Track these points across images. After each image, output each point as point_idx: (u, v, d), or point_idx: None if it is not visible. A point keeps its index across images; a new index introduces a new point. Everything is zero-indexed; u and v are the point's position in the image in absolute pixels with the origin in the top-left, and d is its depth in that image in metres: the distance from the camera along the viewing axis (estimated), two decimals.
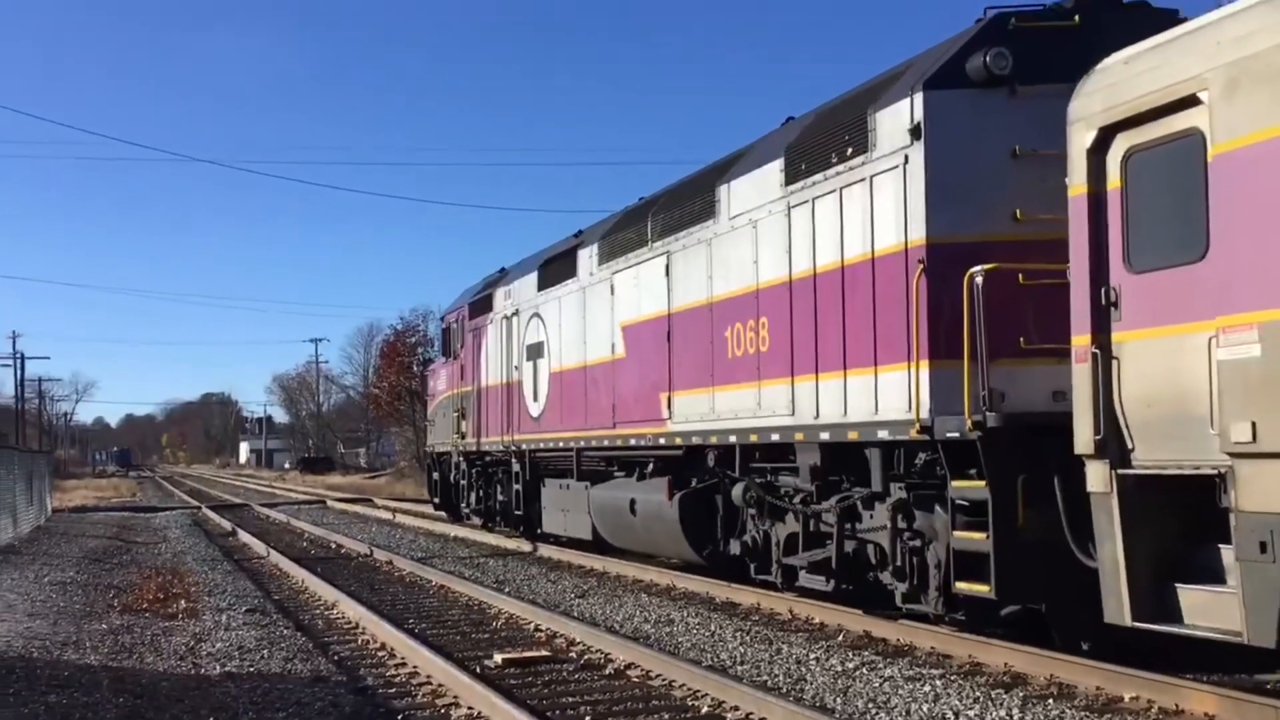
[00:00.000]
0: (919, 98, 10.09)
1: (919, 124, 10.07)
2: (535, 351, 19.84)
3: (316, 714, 8.25)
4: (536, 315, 19.90)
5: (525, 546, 19.62)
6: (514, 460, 20.98)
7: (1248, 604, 7.10)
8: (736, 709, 8.08)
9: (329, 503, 40.85)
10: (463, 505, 25.04)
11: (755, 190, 12.84)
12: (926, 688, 8.71)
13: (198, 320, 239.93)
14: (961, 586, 9.64)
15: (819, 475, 11.72)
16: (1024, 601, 9.63)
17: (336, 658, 10.54)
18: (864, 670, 9.42)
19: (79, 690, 9.06)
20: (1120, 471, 8.03)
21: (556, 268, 19.20)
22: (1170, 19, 9.53)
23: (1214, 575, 7.51)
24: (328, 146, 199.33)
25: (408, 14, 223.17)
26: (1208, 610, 7.55)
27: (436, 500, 27.74)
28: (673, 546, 14.77)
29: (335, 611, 13.48)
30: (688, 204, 14.59)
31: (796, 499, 12.25)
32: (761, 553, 12.97)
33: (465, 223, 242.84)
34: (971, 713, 7.99)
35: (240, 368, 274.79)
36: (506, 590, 14.63)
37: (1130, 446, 8.03)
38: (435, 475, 27.65)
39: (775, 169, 12.44)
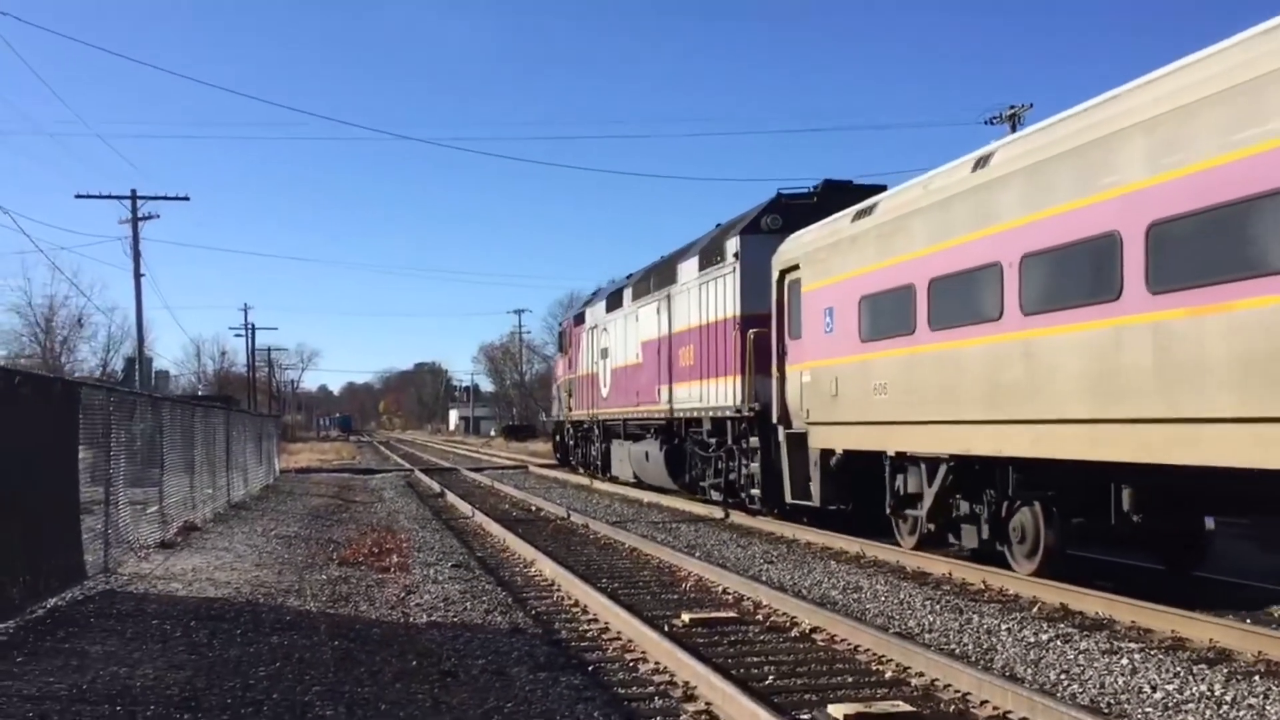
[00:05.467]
0: (737, 239, 19.66)
1: (737, 252, 19.55)
2: (604, 354, 29.95)
3: (513, 662, 8.58)
4: (605, 330, 29.94)
5: (717, 513, 20.68)
6: (594, 426, 31.77)
7: (815, 487, 16.50)
8: (922, 675, 7.99)
9: (530, 468, 41.89)
10: (571, 459, 36.46)
11: (690, 270, 22.40)
12: (1124, 661, 8.46)
13: (412, 292, 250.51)
14: (754, 493, 19.19)
15: (713, 435, 21.28)
16: (776, 501, 18.24)
17: (533, 612, 10.95)
18: (1058, 642, 9.19)
19: (299, 633, 9.68)
20: (786, 431, 17.35)
21: (614, 299, 29.34)
22: (880, 189, 17.75)
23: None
24: (531, 123, 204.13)
25: None
26: (816, 493, 16.57)
27: (558, 455, 39.62)
28: (664, 479, 24.33)
29: (533, 569, 14.03)
30: (665, 271, 24.46)
31: (710, 450, 21.57)
32: (699, 479, 22.54)
33: (659, 193, 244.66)
34: (1170, 687, 7.69)
35: (450, 338, 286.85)
36: (697, 554, 14.94)
37: (790, 420, 17.30)
38: (557, 437, 40.21)
39: (695, 261, 22.04)
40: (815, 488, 16.47)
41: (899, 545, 14.59)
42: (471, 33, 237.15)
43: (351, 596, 11.83)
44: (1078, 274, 10.45)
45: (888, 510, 14.85)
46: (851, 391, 15.04)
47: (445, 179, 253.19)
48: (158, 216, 47.63)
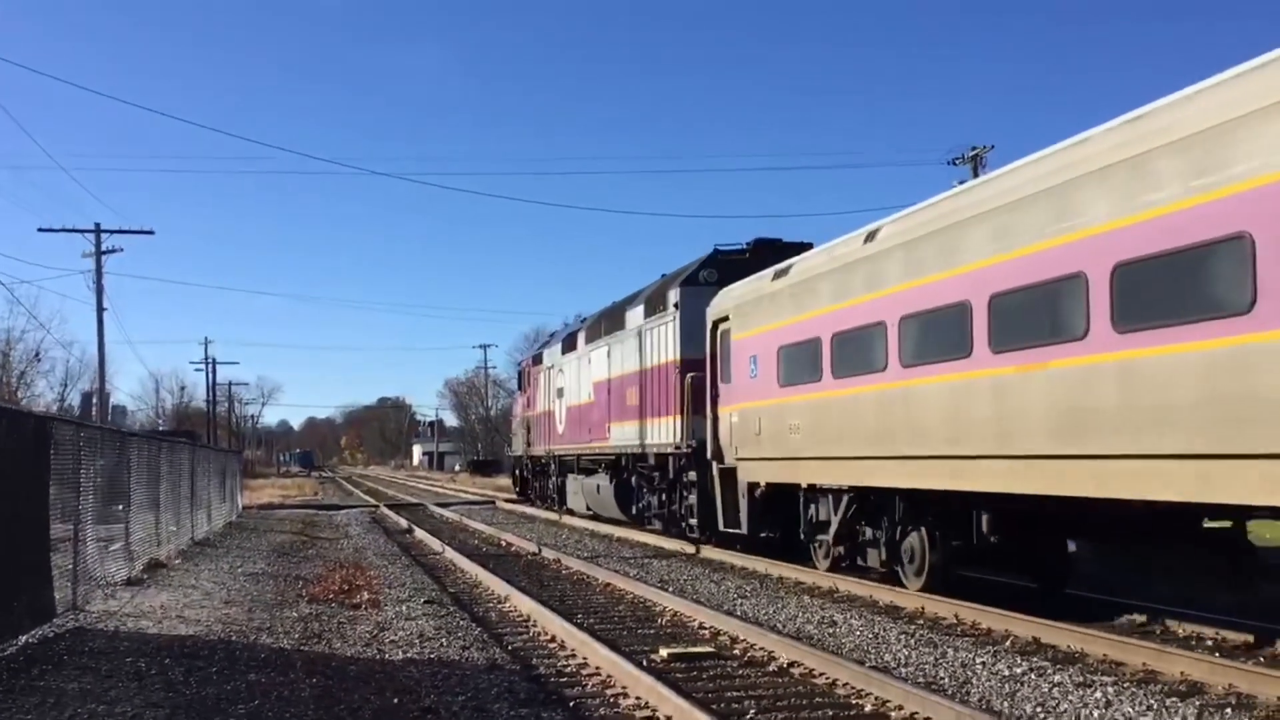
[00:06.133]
0: (677, 290, 21.69)
1: (677, 302, 21.55)
2: (560, 393, 31.81)
3: (493, 699, 8.56)
4: (561, 370, 31.84)
5: (688, 549, 21.12)
6: (551, 462, 33.52)
7: (744, 516, 18.33)
8: (901, 708, 8.06)
9: (498, 503, 41.91)
10: (529, 492, 38.21)
11: (636, 317, 24.34)
12: (1098, 694, 8.58)
13: (376, 327, 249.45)
14: (692, 522, 21.05)
15: (656, 470, 23.22)
16: (712, 529, 20.03)
17: (510, 648, 10.99)
18: (1032, 675, 9.32)
19: (275, 671, 9.62)
20: (719, 466, 19.18)
21: (568, 341, 31.41)
22: (806, 247, 19.39)
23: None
24: (497, 157, 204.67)
25: (574, 23, 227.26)
26: (744, 522, 18.40)
27: (518, 489, 41.04)
28: (614, 510, 26.24)
29: (508, 605, 14.07)
30: (615, 318, 26.53)
31: (654, 483, 23.53)
32: (645, 511, 24.44)
33: (627, 229, 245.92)
34: (1145, 719, 7.82)
35: (414, 373, 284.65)
36: (670, 589, 15.03)
37: (722, 456, 19.09)
38: (517, 472, 41.40)
39: (641, 308, 24.03)
40: (744, 517, 18.38)
41: (815, 568, 16.41)
42: (439, 68, 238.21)
43: (324, 634, 11.81)
44: (942, 334, 12.46)
45: (801, 536, 16.75)
46: (771, 430, 16.99)
47: (410, 213, 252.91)
48: (121, 250, 47.19)
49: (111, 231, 46.48)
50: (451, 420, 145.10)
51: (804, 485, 16.27)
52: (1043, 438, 10.68)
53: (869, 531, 15.00)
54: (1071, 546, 13.00)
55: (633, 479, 24.98)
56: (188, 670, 9.63)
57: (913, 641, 11.02)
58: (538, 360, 36.19)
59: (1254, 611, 11.11)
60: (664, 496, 22.90)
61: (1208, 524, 10.60)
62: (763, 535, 18.33)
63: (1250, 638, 10.55)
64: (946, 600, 12.83)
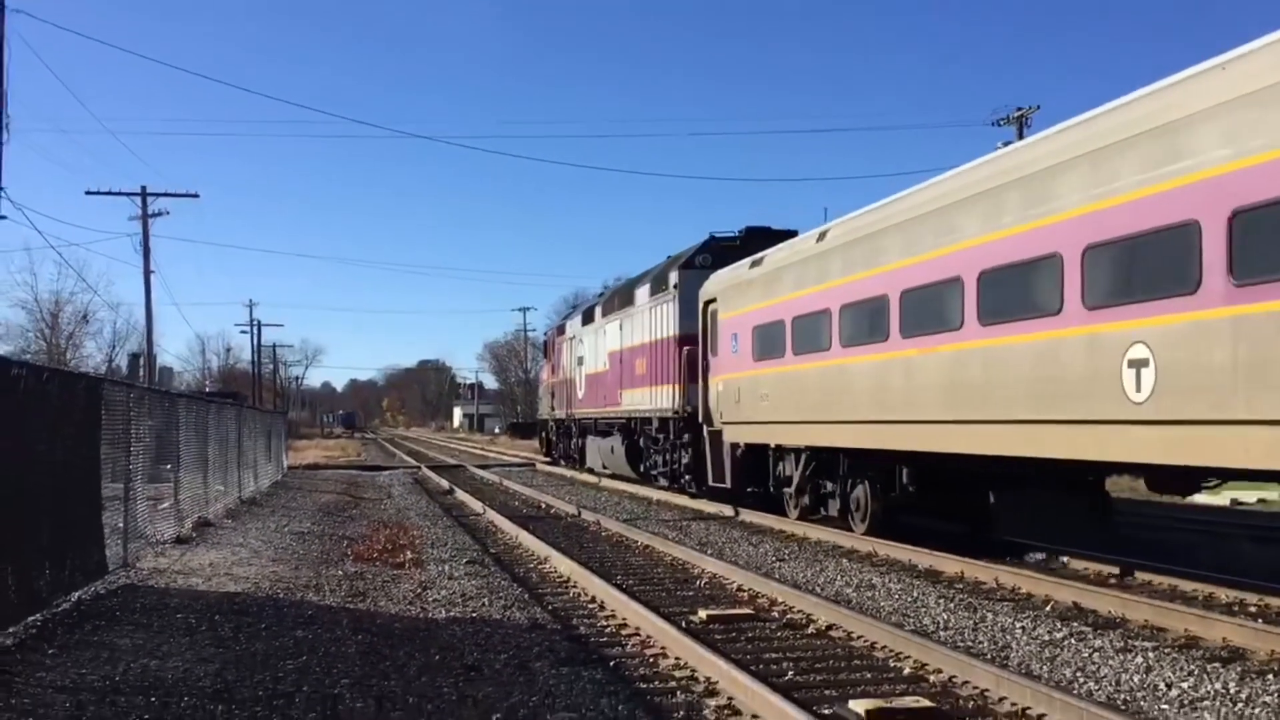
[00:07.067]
0: (677, 272, 24.32)
1: (676, 283, 24.17)
2: (580, 361, 34.63)
3: (535, 657, 8.73)
4: (581, 340, 34.62)
5: (726, 511, 21.21)
6: (572, 425, 36.58)
7: (728, 472, 21.12)
8: (939, 671, 8.14)
9: (537, 465, 42.43)
10: (554, 453, 41.35)
11: (644, 295, 27.10)
12: (1138, 659, 8.59)
13: (417, 290, 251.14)
14: (687, 478, 23.79)
15: (660, 432, 25.88)
16: (703, 483, 22.62)
17: (550, 608, 11.08)
18: (1072, 640, 9.31)
19: (322, 628, 9.85)
20: (708, 429, 21.87)
21: (588, 314, 34.38)
22: (792, 234, 21.82)
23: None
24: (539, 121, 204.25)
25: None
26: (728, 477, 21.16)
27: (544, 450, 44.33)
28: (625, 469, 28.97)
29: (548, 565, 14.19)
30: (626, 294, 29.28)
31: (658, 444, 26.19)
32: (652, 469, 27.04)
33: (666, 191, 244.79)
34: (1185, 685, 7.83)
35: (454, 335, 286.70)
36: (709, 552, 15.10)
37: (711, 420, 21.73)
38: (543, 434, 45.02)
39: (648, 287, 26.77)
40: (728, 473, 21.11)
41: (787, 516, 18.87)
42: (483, 32, 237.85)
43: (369, 592, 12.02)
44: (869, 321, 15.04)
45: (770, 489, 19.52)
46: (748, 399, 19.62)
47: (452, 177, 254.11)
48: (167, 214, 47.48)
49: (157, 195, 46.84)
50: (491, 383, 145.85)
51: (773, 445, 19.09)
52: (937, 407, 13.32)
53: (828, 485, 17.58)
54: (992, 498, 14.94)
55: (641, 440, 27.79)
56: (237, 626, 9.88)
57: (952, 605, 11.06)
58: (561, 330, 39.11)
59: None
60: (667, 456, 25.61)
61: (1079, 480, 13.42)
62: (749, 490, 20.73)
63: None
64: (986, 565, 12.98)
